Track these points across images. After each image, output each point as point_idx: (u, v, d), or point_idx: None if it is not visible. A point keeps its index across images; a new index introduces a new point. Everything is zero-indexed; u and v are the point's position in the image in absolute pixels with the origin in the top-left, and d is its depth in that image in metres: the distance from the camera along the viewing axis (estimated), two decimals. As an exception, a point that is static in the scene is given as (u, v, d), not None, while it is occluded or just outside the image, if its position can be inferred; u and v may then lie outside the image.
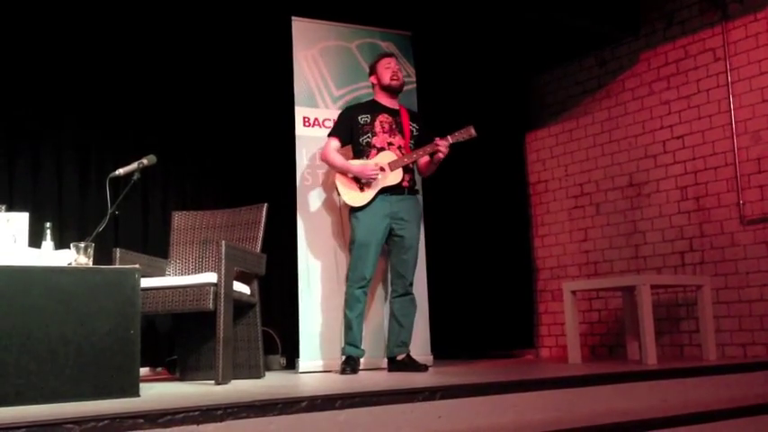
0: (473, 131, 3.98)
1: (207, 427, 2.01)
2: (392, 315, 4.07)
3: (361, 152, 4.08)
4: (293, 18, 4.54)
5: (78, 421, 1.86)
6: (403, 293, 4.05)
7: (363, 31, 4.73)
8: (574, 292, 4.42)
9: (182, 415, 1.98)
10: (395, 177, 4.00)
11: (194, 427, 1.99)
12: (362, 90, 4.50)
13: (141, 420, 1.93)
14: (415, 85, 4.75)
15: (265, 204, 4.04)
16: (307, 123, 4.46)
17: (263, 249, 3.96)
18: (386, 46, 4.71)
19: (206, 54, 4.92)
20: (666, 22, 5.07)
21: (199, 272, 3.93)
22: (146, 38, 4.74)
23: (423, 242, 4.57)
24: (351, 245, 4.08)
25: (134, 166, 3.48)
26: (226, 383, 3.25)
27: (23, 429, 1.79)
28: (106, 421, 1.89)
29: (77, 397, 2.52)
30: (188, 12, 4.75)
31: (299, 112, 4.46)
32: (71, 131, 4.53)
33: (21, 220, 2.94)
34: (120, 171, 3.46)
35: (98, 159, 4.58)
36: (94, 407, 2.21)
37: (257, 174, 4.96)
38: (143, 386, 2.78)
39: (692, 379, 3.36)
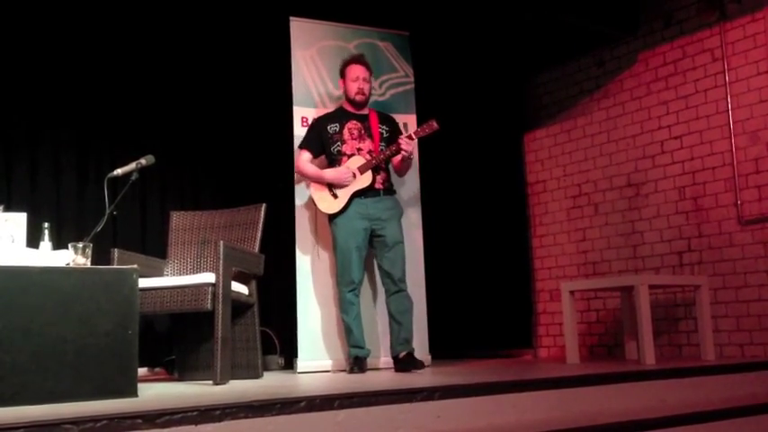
0: (435, 125, 4.01)
1: (205, 427, 2.01)
2: (390, 315, 4.07)
3: (333, 161, 4.16)
4: (291, 18, 4.54)
5: (76, 421, 1.86)
6: (395, 291, 4.05)
7: (361, 31, 4.72)
8: (572, 292, 4.43)
9: (180, 415, 1.98)
10: (365, 180, 4.05)
11: (192, 427, 1.99)
12: (360, 90, 4.50)
13: (139, 420, 1.93)
14: (412, 86, 4.75)
15: (264, 204, 4.05)
16: (305, 123, 4.46)
17: (262, 249, 3.96)
18: (384, 46, 4.71)
19: (204, 54, 4.91)
20: (664, 23, 5.07)
21: (197, 272, 3.93)
22: (144, 38, 4.74)
23: (420, 242, 4.59)
24: (334, 251, 4.15)
25: (132, 166, 3.48)
26: (224, 384, 3.25)
27: (22, 430, 1.79)
28: (104, 421, 1.88)
29: (76, 397, 2.52)
30: (186, 11, 4.75)
31: (297, 111, 4.46)
32: (69, 132, 4.53)
33: (19, 220, 2.94)
34: (119, 171, 3.46)
35: (96, 160, 4.58)
36: (93, 407, 2.21)
37: (255, 174, 4.96)
38: (141, 386, 2.78)
39: (690, 379, 3.36)
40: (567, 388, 2.92)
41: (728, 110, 4.65)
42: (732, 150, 4.63)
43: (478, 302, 5.61)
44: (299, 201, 4.42)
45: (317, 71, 4.56)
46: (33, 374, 2.49)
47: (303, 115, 4.46)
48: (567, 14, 4.94)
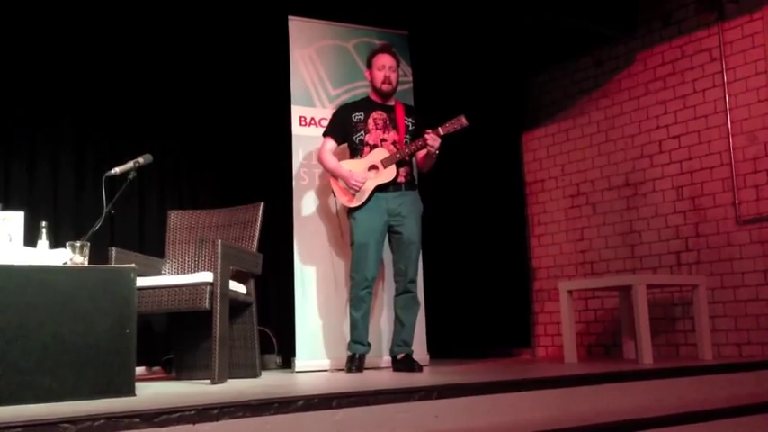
0: (464, 121, 3.88)
1: (203, 426, 2.01)
2: (395, 314, 4.05)
3: (355, 150, 4.08)
4: (290, 17, 4.54)
5: (74, 420, 1.85)
6: (403, 291, 4.00)
7: (360, 31, 4.72)
8: (570, 292, 4.43)
9: (177, 414, 1.98)
10: (389, 174, 3.96)
11: (190, 426, 1.99)
12: (359, 90, 4.50)
13: (137, 420, 1.92)
14: (411, 85, 4.75)
15: (261, 203, 4.04)
16: (303, 123, 4.46)
17: (260, 248, 3.96)
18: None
19: (203, 53, 4.91)
20: (663, 23, 5.07)
21: (195, 271, 3.93)
22: (142, 37, 4.73)
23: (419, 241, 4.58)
24: (351, 246, 4.06)
25: (130, 164, 3.47)
26: (222, 383, 3.25)
27: (19, 429, 1.79)
28: (102, 421, 1.88)
29: (73, 396, 2.51)
30: (185, 10, 4.74)
31: (296, 111, 4.46)
32: (67, 130, 4.52)
33: (16, 219, 2.93)
34: (116, 170, 3.45)
35: (94, 158, 4.57)
36: (90, 406, 2.20)
37: (254, 173, 4.96)
38: (139, 385, 2.77)
39: (687, 378, 3.37)
40: (565, 387, 2.93)
41: (726, 110, 4.66)
42: (730, 150, 4.63)
43: (477, 302, 5.61)
44: (303, 201, 4.41)
45: (315, 70, 4.55)
46: (31, 373, 2.48)
47: (301, 114, 4.46)
48: (565, 15, 4.94)
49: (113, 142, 4.60)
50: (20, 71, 4.36)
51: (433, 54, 5.32)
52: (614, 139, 5.34)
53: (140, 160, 3.51)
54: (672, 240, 4.93)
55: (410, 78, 4.76)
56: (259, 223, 3.99)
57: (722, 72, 4.69)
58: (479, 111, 5.75)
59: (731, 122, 4.63)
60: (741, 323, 4.53)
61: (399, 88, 4.64)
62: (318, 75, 4.55)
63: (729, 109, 4.64)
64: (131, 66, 4.72)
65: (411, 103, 4.68)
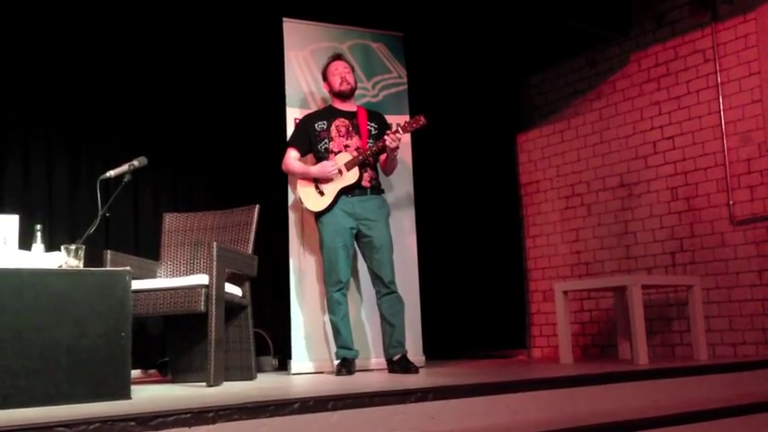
0: (423, 120, 3.93)
1: (198, 429, 2.01)
2: (382, 317, 4.03)
3: (320, 159, 4.10)
4: (284, 19, 4.54)
5: (69, 424, 1.85)
6: (386, 293, 3.99)
7: (355, 33, 4.72)
8: (565, 293, 4.43)
9: (173, 417, 1.98)
10: (352, 177, 3.98)
11: (186, 429, 1.99)
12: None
13: (132, 423, 1.92)
14: (405, 87, 4.75)
15: (257, 206, 4.04)
16: (298, 125, 4.46)
17: (255, 251, 3.96)
18: (377, 47, 4.71)
19: (197, 55, 4.91)
20: (656, 23, 5.09)
21: (190, 273, 3.92)
22: (137, 39, 4.73)
23: (414, 243, 4.59)
24: (321, 250, 4.09)
25: (125, 167, 3.47)
26: (217, 385, 3.24)
27: (14, 433, 1.78)
28: (97, 424, 1.88)
29: (68, 400, 2.51)
30: (179, 13, 4.74)
31: (291, 113, 4.46)
32: (62, 133, 4.52)
33: (11, 222, 2.93)
34: (111, 173, 3.45)
35: (89, 161, 4.57)
36: (85, 410, 2.20)
37: (249, 175, 4.96)
38: (134, 388, 2.77)
39: (682, 379, 3.38)
40: (561, 388, 2.93)
41: (720, 110, 4.67)
42: (724, 151, 4.65)
43: (472, 303, 5.61)
44: (292, 202, 4.41)
45: (309, 72, 4.55)
46: (26, 377, 2.48)
47: (296, 116, 4.45)
48: (559, 15, 4.95)
49: (108, 145, 4.60)
50: (14, 73, 4.36)
51: (428, 55, 5.33)
52: (609, 139, 5.35)
53: (135, 163, 3.51)
54: (667, 241, 4.94)
55: (405, 80, 4.76)
56: (254, 225, 3.99)
57: (716, 73, 4.71)
58: (474, 112, 5.80)
59: (725, 123, 4.65)
60: (736, 323, 4.54)
61: (394, 90, 4.67)
62: (313, 77, 4.55)
63: (723, 110, 4.66)
64: (126, 68, 4.72)
65: (406, 104, 4.69)
